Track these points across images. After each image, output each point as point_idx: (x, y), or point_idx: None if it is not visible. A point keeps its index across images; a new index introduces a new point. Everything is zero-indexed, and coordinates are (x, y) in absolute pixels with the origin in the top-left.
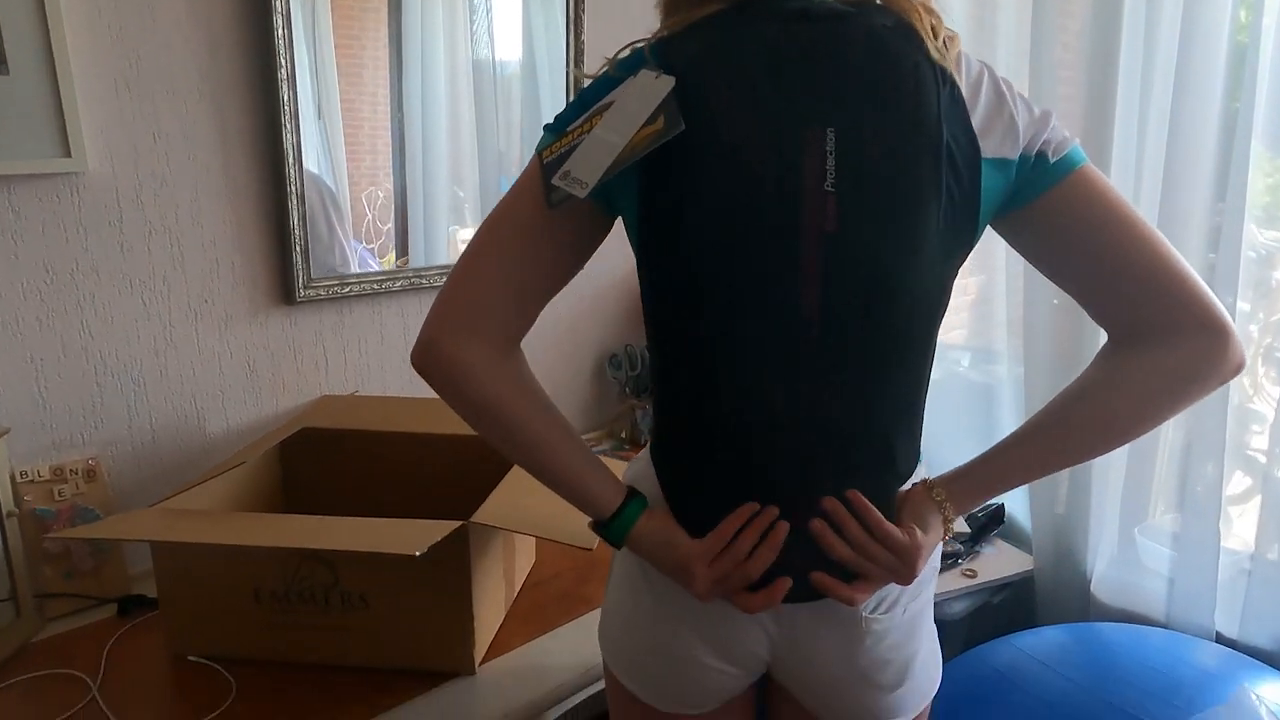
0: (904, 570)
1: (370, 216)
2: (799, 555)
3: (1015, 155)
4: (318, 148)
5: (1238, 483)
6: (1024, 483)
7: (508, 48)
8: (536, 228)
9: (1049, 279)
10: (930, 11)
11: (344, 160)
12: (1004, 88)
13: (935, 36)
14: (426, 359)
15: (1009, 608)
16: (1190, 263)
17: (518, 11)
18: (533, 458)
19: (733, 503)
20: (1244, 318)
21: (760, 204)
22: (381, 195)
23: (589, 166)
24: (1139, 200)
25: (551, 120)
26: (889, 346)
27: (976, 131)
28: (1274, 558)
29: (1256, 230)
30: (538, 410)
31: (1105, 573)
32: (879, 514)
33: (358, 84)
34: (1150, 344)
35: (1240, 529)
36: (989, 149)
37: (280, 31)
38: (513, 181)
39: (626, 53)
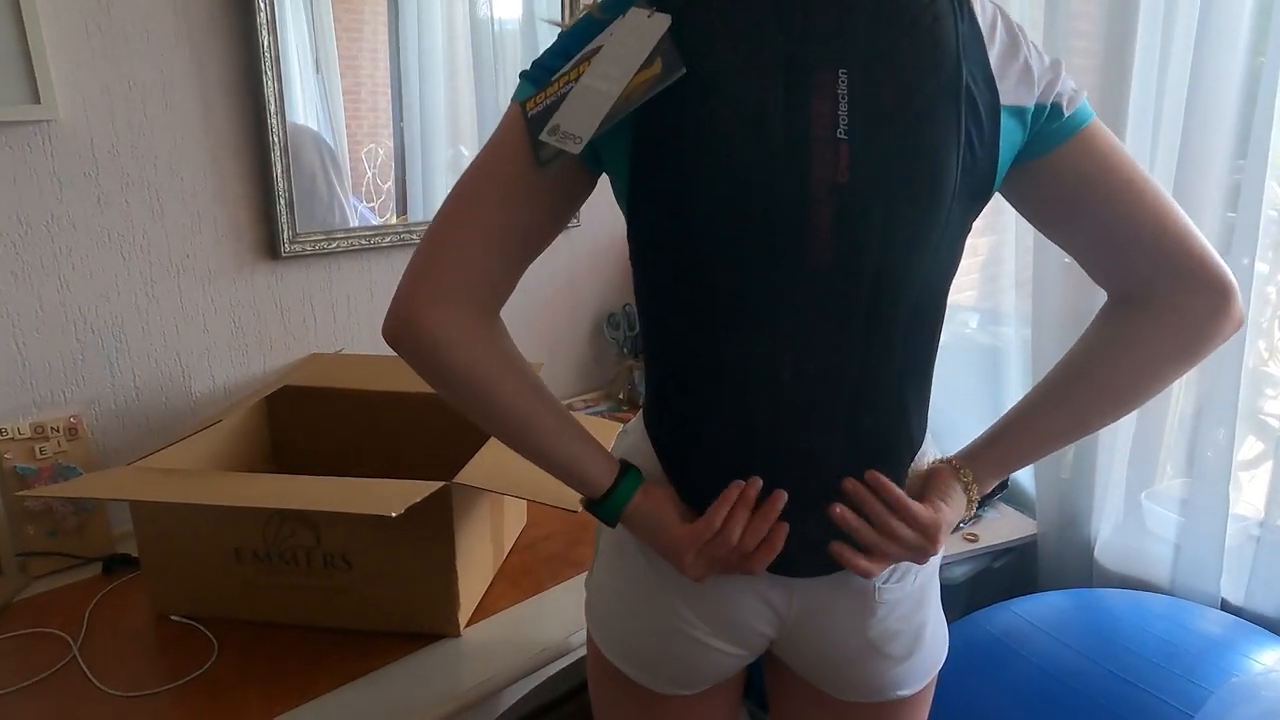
0: (928, 547)
1: (370, 174)
2: (811, 526)
3: (1031, 104)
4: (316, 103)
5: (1250, 448)
6: (1044, 455)
7: (506, 3)
8: (520, 186)
9: (1048, 237)
10: None
11: (343, 117)
12: (1017, 30)
13: None
14: (400, 330)
15: (1011, 572)
16: (1208, 221)
17: None
18: (518, 435)
19: (734, 467)
20: (1262, 279)
21: (766, 153)
22: (382, 153)
23: (581, 119)
24: (1156, 156)
25: (529, 67)
26: (902, 304)
27: (994, 74)
28: None
29: (1278, 189)
30: (522, 384)
31: (1110, 538)
32: (900, 492)
33: (358, 38)
34: (1155, 304)
35: (1250, 495)
36: (1006, 95)
37: None
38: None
39: None
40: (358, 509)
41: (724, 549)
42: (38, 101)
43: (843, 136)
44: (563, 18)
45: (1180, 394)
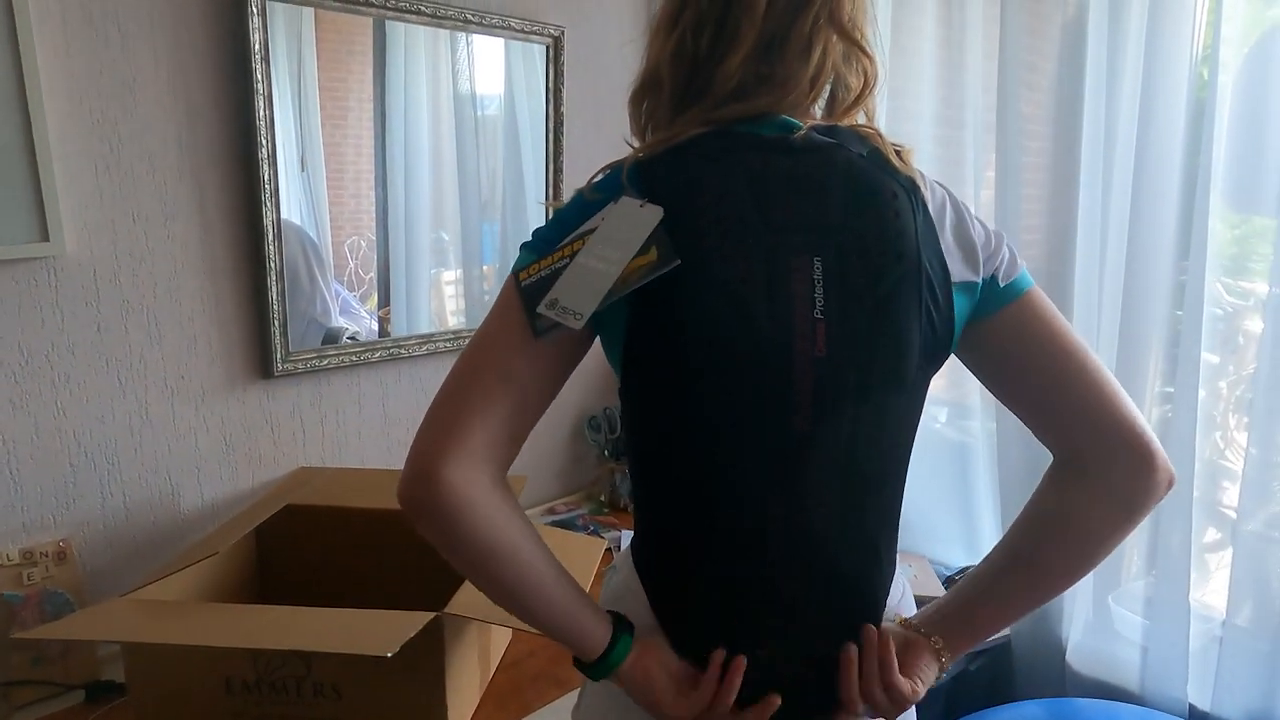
0: (894, 715)
1: (353, 265)
2: (786, 674)
3: (978, 278)
4: (301, 200)
5: (1210, 542)
6: (1013, 622)
7: (489, 89)
8: (523, 353)
9: (998, 399)
10: (884, 136)
11: (327, 211)
12: (963, 209)
13: (900, 158)
14: (420, 489)
15: (988, 674)
16: (1156, 319)
17: (500, 57)
18: (520, 600)
19: (721, 621)
20: (1213, 371)
21: (753, 332)
22: (364, 245)
23: (580, 295)
24: (1105, 259)
25: (530, 239)
26: (875, 461)
27: (945, 255)
28: (1244, 624)
29: (1223, 290)
30: (536, 552)
31: (1080, 642)
32: (894, 661)
33: (341, 125)
34: (1088, 473)
35: (1213, 591)
36: (956, 273)
37: (260, 112)
38: (496, 228)
39: (600, 177)
40: (353, 648)
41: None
42: (47, 240)
43: (819, 316)
44: (546, 107)
45: None
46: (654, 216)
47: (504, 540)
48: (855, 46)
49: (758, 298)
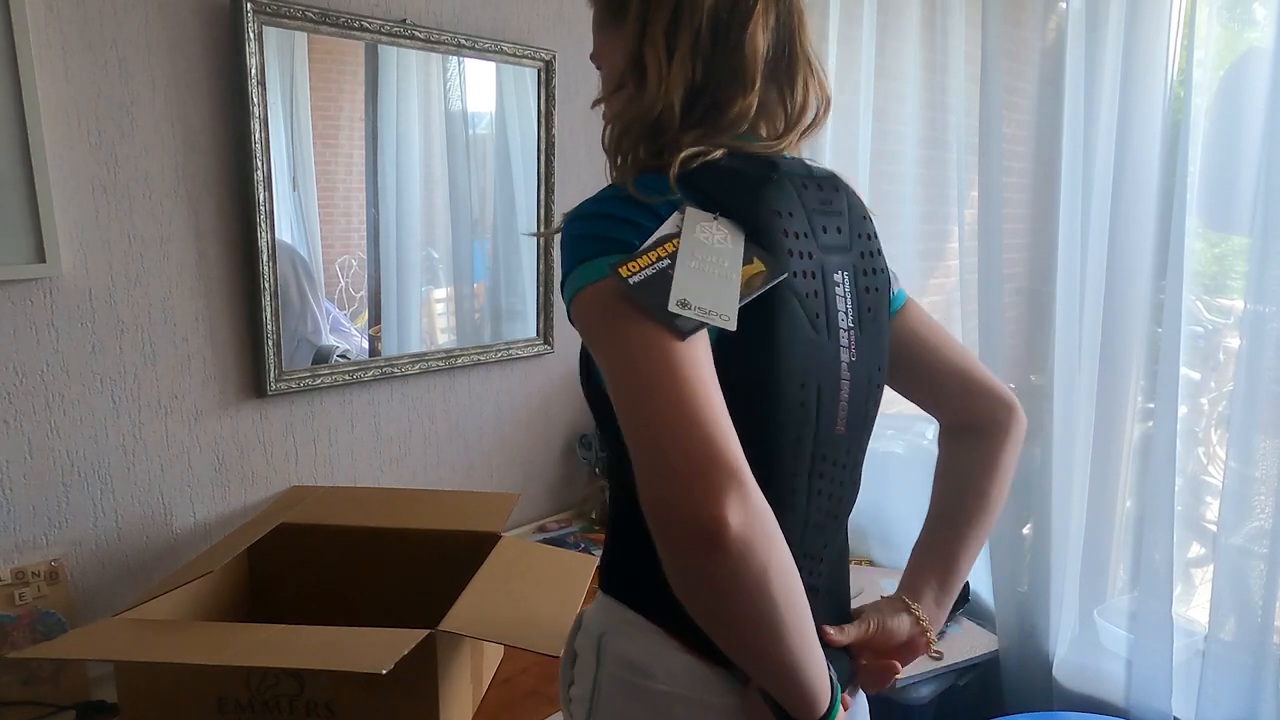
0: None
1: (343, 283)
2: None
3: (896, 286)
4: (292, 219)
5: (1194, 557)
6: (966, 573)
7: (480, 107)
8: (691, 353)
9: (892, 387)
10: None
11: (318, 230)
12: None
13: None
14: (698, 541)
15: (976, 689)
16: (1136, 336)
17: (491, 77)
18: (778, 639)
19: None
20: (1194, 387)
21: (824, 345)
22: (355, 263)
23: (713, 297)
24: (1086, 277)
25: (585, 242)
26: (867, 439)
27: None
28: (1227, 637)
29: (1203, 308)
30: (798, 580)
31: (1066, 656)
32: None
33: (332, 144)
34: (977, 429)
35: (1196, 605)
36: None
37: (256, 135)
38: (487, 245)
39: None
40: (348, 666)
41: None
42: (43, 260)
43: (851, 325)
44: (538, 126)
45: (1123, 504)
46: (739, 228)
47: (785, 564)
48: (815, 74)
49: (821, 310)
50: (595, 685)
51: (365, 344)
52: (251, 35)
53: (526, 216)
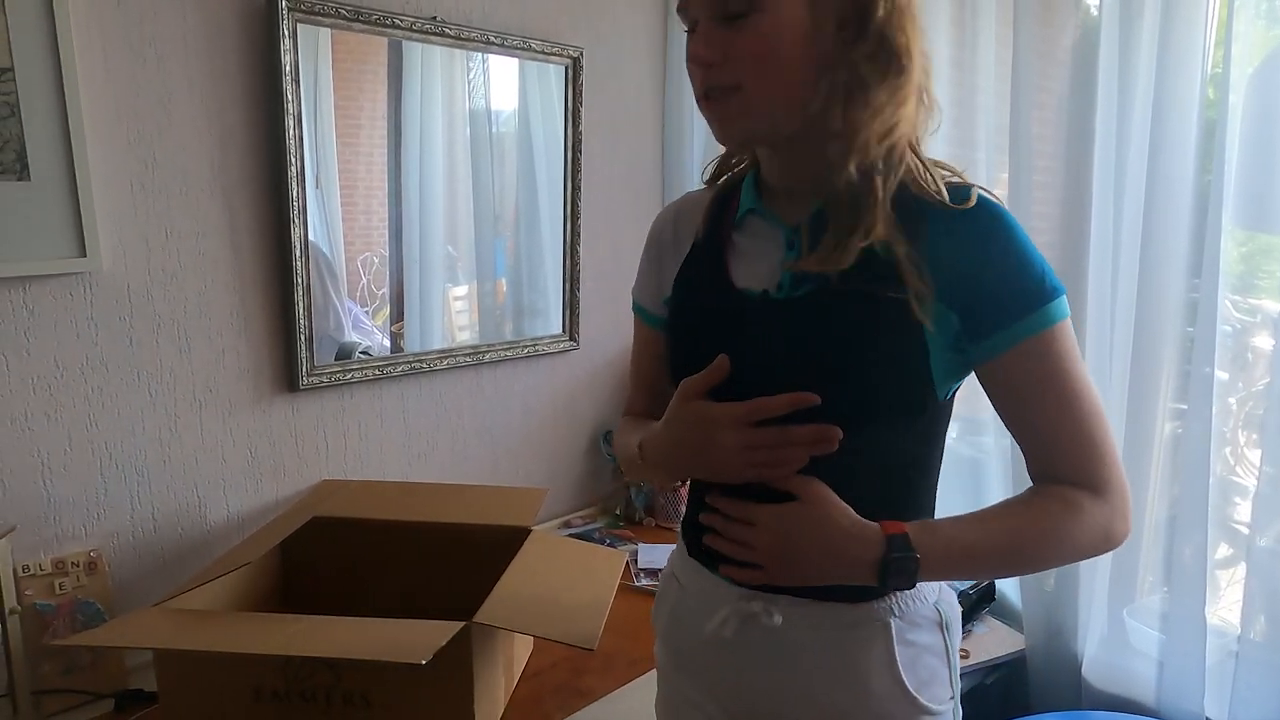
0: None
1: (365, 280)
2: None
3: None
4: (315, 217)
5: (1223, 557)
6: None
7: (504, 104)
8: None
9: None
10: None
11: (340, 227)
12: None
13: None
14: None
15: (1002, 688)
16: (1168, 336)
17: (514, 74)
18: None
19: None
20: (1223, 388)
21: None
22: (376, 260)
23: None
24: (1118, 276)
25: (1055, 280)
26: None
27: None
28: (1258, 638)
29: (1231, 307)
30: None
31: (1096, 655)
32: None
33: (353, 144)
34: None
35: (1227, 606)
36: None
37: (291, 131)
38: (506, 243)
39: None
40: (386, 656)
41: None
42: (84, 255)
43: None
44: (565, 124)
45: (1154, 504)
46: None
47: None
48: None
49: None
50: None
51: (386, 341)
52: (286, 33)
53: (549, 213)
